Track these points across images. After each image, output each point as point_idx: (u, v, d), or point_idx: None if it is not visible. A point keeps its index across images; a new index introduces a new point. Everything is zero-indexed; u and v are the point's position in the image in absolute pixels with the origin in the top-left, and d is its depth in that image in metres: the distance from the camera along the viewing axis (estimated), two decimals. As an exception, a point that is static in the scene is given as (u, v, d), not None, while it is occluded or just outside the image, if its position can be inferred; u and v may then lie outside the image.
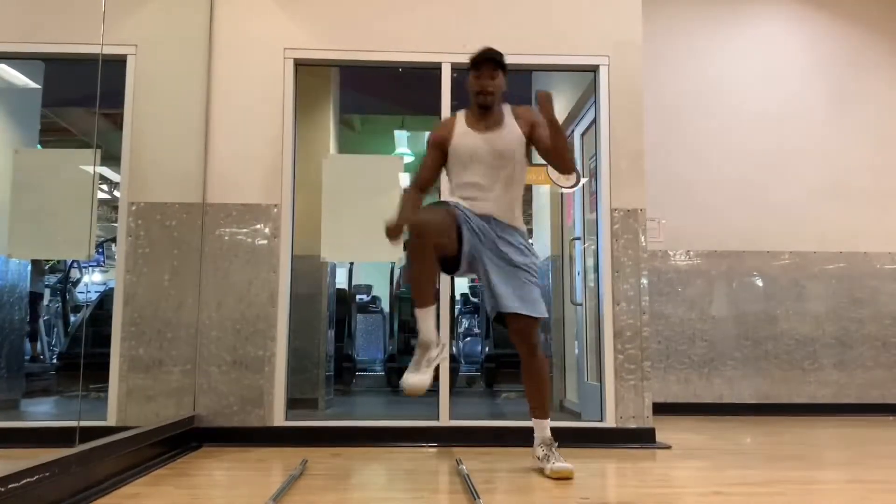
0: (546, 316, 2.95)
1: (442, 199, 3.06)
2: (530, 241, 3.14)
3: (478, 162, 2.92)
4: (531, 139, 2.98)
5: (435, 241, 2.66)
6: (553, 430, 3.70)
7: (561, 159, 2.93)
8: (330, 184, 3.89)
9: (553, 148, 2.88)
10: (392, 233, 2.76)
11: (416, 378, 2.61)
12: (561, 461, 2.73)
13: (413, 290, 2.72)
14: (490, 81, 2.93)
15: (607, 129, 3.86)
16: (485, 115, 2.98)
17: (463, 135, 2.96)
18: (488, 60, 2.92)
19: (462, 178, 2.95)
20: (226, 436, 3.53)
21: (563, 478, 2.68)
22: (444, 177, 3.16)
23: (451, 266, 2.83)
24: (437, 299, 2.83)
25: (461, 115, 3.05)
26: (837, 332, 5.46)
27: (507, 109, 3.03)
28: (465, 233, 2.77)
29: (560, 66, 4.08)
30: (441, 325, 3.79)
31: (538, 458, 2.84)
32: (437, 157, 3.01)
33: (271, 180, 3.74)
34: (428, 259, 2.66)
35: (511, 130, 2.96)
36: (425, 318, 2.69)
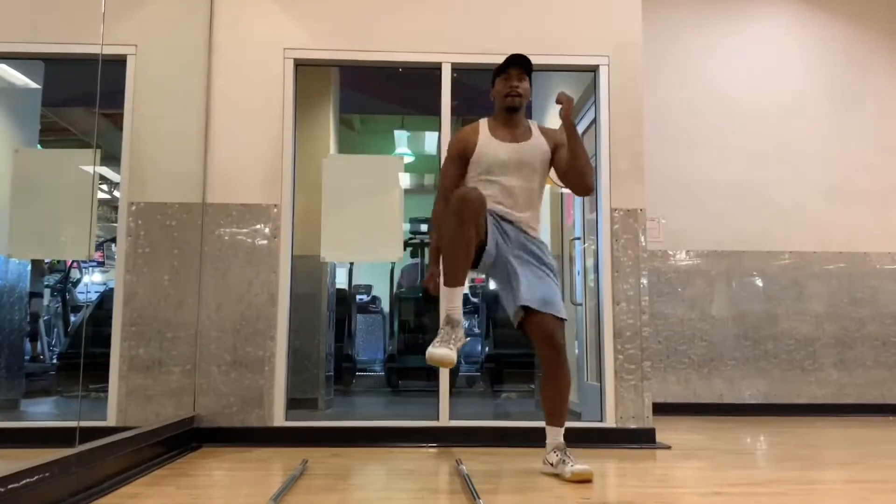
0: (567, 318, 2.89)
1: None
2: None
3: (503, 171, 2.86)
4: (553, 159, 2.94)
5: (478, 216, 2.59)
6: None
7: (580, 175, 2.83)
8: (330, 184, 3.89)
9: (573, 158, 2.80)
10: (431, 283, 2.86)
11: (443, 351, 2.54)
12: (579, 463, 2.69)
13: (448, 265, 2.61)
14: (518, 83, 2.90)
15: (607, 129, 3.86)
16: (511, 123, 2.94)
17: (487, 143, 2.90)
18: (517, 64, 2.90)
19: (486, 187, 2.84)
20: (226, 436, 3.53)
21: (584, 480, 2.63)
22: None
23: (473, 259, 2.74)
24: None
25: (483, 123, 2.98)
26: (837, 332, 5.46)
27: (533, 125, 3.01)
28: (490, 227, 2.74)
29: (560, 66, 4.08)
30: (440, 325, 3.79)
31: (552, 463, 2.78)
32: (461, 167, 2.94)
33: (271, 180, 3.74)
34: (468, 232, 2.56)
35: (538, 143, 2.93)
36: (457, 297, 2.64)
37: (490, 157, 2.87)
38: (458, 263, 2.61)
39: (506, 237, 2.85)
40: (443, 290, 2.73)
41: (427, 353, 2.57)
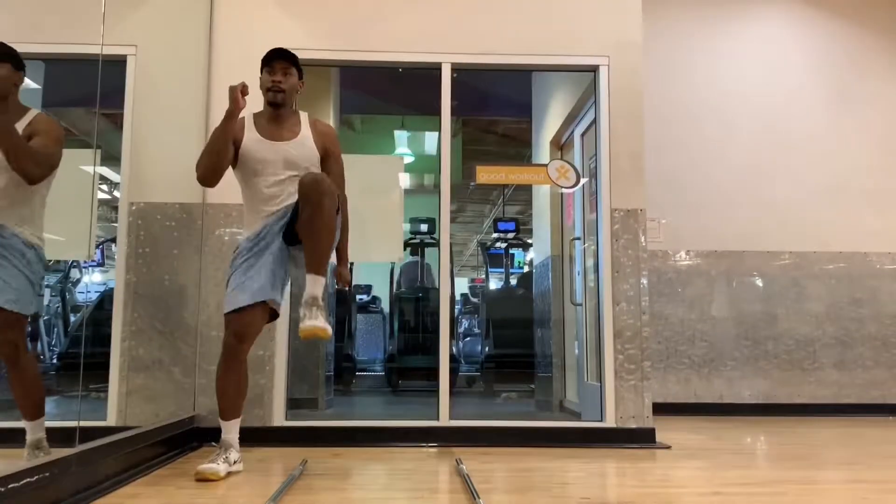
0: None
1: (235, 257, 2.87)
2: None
3: (266, 168, 2.83)
4: (323, 162, 2.93)
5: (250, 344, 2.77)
6: (553, 430, 3.72)
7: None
8: (330, 184, 3.88)
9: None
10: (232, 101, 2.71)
11: (210, 467, 2.64)
12: (316, 319, 2.62)
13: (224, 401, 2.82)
14: (282, 78, 2.86)
15: (607, 129, 3.86)
16: (278, 118, 2.90)
17: (253, 140, 2.86)
18: (280, 57, 2.86)
19: (254, 188, 2.85)
20: (226, 436, 3.53)
21: (316, 337, 2.63)
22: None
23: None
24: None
25: (249, 118, 2.93)
26: (837, 332, 5.46)
27: (304, 119, 2.96)
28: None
29: (560, 66, 4.09)
30: (441, 325, 3.80)
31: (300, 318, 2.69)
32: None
33: (271, 180, 3.73)
34: (240, 369, 2.80)
35: (306, 143, 2.89)
36: (233, 429, 2.85)
37: (254, 156, 2.84)
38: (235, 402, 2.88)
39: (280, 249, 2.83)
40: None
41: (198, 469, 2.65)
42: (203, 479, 2.59)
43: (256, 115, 2.94)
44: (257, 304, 2.74)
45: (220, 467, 2.65)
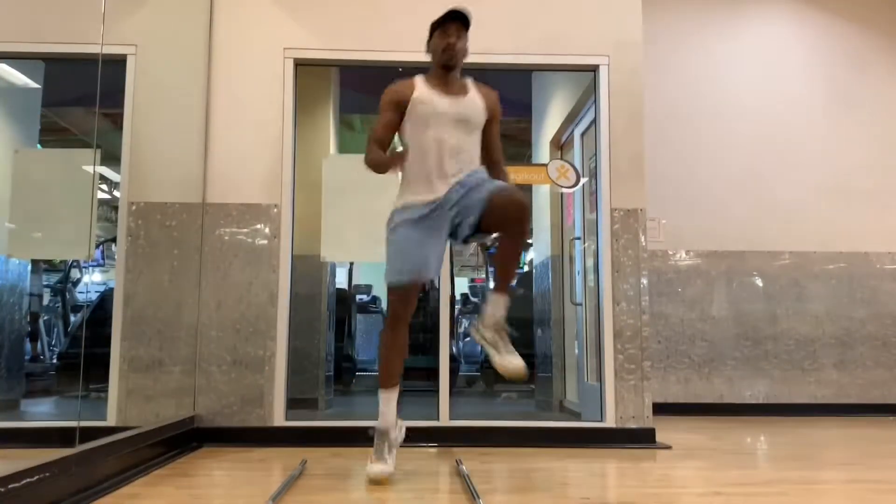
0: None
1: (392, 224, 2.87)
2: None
3: (440, 123, 2.77)
4: (487, 123, 2.90)
5: (409, 316, 2.78)
6: (553, 430, 3.72)
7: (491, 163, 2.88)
8: (330, 184, 3.89)
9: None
10: (391, 163, 2.68)
11: (379, 468, 2.60)
12: (514, 355, 2.60)
13: (385, 370, 2.75)
14: (457, 40, 2.83)
15: (607, 129, 3.86)
16: (447, 80, 2.87)
17: (424, 94, 2.82)
18: (456, 19, 2.83)
19: (423, 140, 2.78)
20: (226, 436, 3.53)
21: (516, 379, 2.60)
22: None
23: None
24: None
25: (419, 78, 2.90)
26: (838, 332, 5.46)
27: (470, 82, 2.94)
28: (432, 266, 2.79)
29: (560, 66, 4.08)
30: (441, 325, 3.80)
31: (488, 342, 2.69)
32: (395, 115, 2.83)
33: (271, 180, 3.74)
34: (402, 338, 2.77)
35: (475, 100, 2.87)
36: (390, 401, 2.74)
37: (428, 108, 2.79)
38: (395, 370, 2.77)
39: (443, 214, 2.78)
40: (381, 394, 2.77)
41: (367, 471, 2.62)
42: (377, 483, 2.57)
43: (427, 76, 2.90)
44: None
45: (390, 466, 2.63)
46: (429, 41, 2.91)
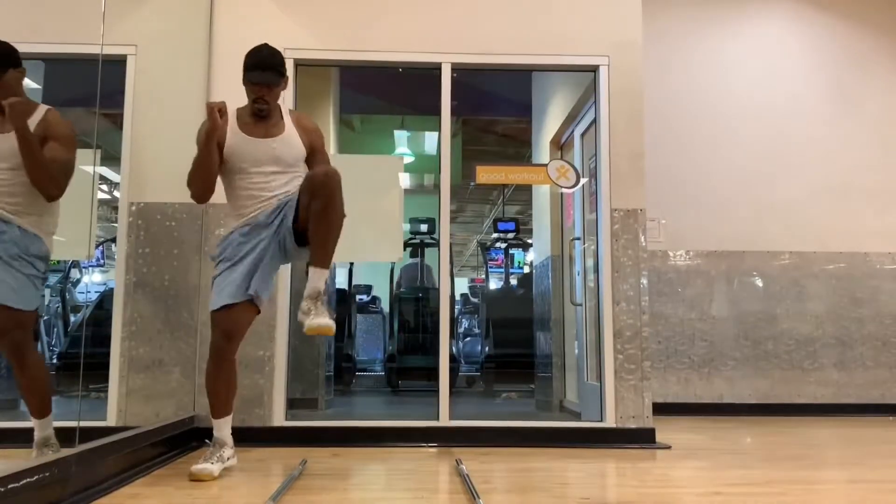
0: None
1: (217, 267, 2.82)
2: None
3: (257, 166, 2.78)
4: (309, 157, 2.90)
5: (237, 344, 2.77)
6: (553, 430, 3.72)
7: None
8: (330, 184, 3.88)
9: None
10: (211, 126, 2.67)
11: (202, 466, 2.64)
12: (322, 316, 2.59)
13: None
14: (267, 93, 2.77)
15: (607, 129, 3.86)
16: (261, 116, 2.83)
17: (238, 139, 2.79)
18: (262, 71, 2.74)
19: (239, 186, 2.80)
20: (226, 436, 3.53)
21: (322, 334, 2.61)
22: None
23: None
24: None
25: (232, 114, 2.82)
26: (838, 332, 5.46)
27: (286, 115, 2.89)
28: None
29: (560, 66, 4.09)
30: (441, 325, 3.80)
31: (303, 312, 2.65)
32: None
33: (271, 180, 3.73)
34: (230, 369, 2.80)
35: (292, 140, 2.85)
36: (225, 427, 2.82)
37: (240, 155, 2.78)
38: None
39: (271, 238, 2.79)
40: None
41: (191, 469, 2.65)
42: (197, 479, 2.59)
43: (240, 111, 2.86)
44: (244, 302, 2.73)
45: (214, 467, 2.65)
46: (244, 73, 2.79)
